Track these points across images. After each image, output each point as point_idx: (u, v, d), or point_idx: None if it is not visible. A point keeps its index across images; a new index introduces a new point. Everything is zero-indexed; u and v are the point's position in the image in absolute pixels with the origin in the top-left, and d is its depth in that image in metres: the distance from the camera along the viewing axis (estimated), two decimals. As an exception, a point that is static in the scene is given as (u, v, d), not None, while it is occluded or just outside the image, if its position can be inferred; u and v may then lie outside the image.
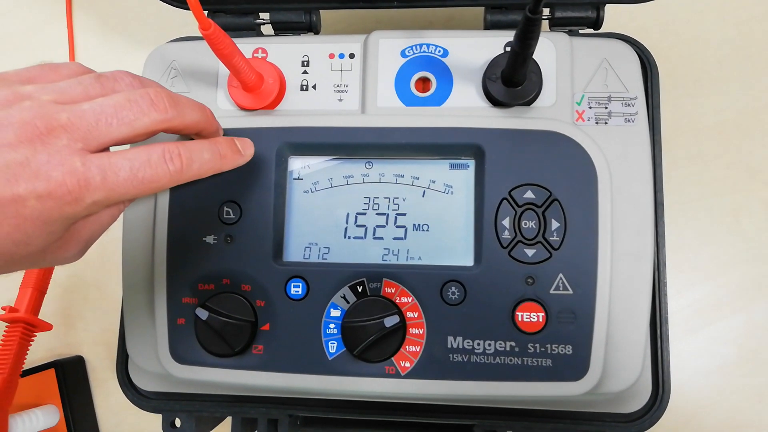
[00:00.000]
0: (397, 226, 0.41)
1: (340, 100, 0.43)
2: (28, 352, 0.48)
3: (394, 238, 0.41)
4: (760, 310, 0.52)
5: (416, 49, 0.42)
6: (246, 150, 0.38)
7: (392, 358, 0.39)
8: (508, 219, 0.39)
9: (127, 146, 0.33)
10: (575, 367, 0.38)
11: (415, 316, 0.39)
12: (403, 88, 0.42)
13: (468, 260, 0.40)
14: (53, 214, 0.29)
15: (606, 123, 0.40)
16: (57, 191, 0.28)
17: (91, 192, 0.29)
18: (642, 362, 0.39)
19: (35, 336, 0.48)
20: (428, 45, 0.42)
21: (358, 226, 0.41)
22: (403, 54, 0.43)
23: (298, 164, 0.42)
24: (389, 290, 0.39)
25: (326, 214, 0.41)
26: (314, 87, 0.43)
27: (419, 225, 0.41)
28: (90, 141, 0.29)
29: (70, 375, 0.54)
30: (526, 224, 0.39)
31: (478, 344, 0.38)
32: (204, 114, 0.35)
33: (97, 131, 0.30)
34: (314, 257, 0.41)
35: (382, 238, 0.41)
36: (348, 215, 0.41)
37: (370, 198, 0.41)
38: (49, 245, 0.30)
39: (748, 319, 0.52)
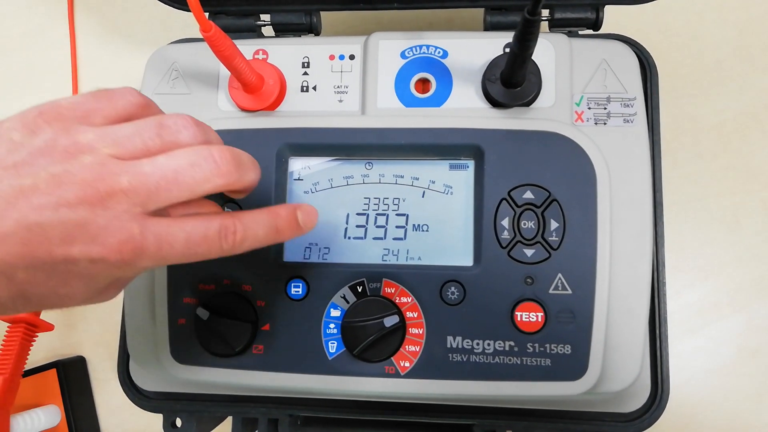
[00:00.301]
0: (397, 227, 0.41)
1: (341, 101, 0.43)
2: (29, 352, 0.48)
3: (394, 239, 0.41)
4: (759, 310, 0.52)
5: (416, 51, 0.43)
6: (307, 223, 0.34)
7: (392, 358, 0.39)
8: (507, 219, 0.39)
9: None
10: (574, 366, 0.38)
11: (415, 316, 0.39)
12: (402, 89, 0.42)
13: (467, 260, 0.40)
14: (102, 275, 0.28)
15: (605, 124, 0.41)
16: (110, 258, 0.27)
17: (144, 260, 0.28)
18: (641, 362, 0.39)
19: (37, 336, 0.49)
20: (428, 46, 0.43)
21: (358, 226, 0.41)
22: (402, 55, 0.43)
23: (298, 165, 0.42)
24: (389, 290, 0.40)
25: (326, 215, 0.42)
26: (314, 88, 0.43)
27: (419, 225, 0.41)
28: (149, 205, 0.28)
29: (72, 375, 0.55)
30: (525, 224, 0.39)
31: (478, 344, 0.39)
32: (258, 173, 0.33)
33: (157, 196, 0.28)
34: (314, 257, 0.41)
35: (381, 239, 0.41)
36: (348, 215, 0.42)
37: (369, 198, 0.42)
38: (91, 298, 0.30)
39: (748, 319, 0.52)
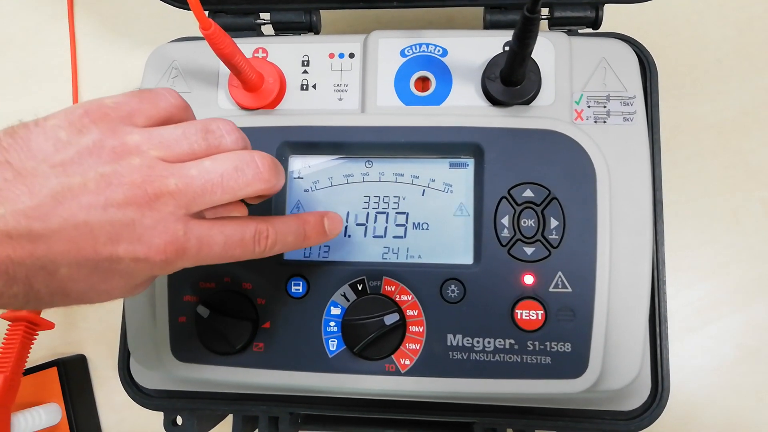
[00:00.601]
0: (397, 225, 0.41)
1: (340, 99, 0.43)
2: (30, 350, 0.48)
3: (394, 237, 0.41)
4: (759, 309, 0.52)
5: (416, 49, 0.43)
6: (333, 230, 0.37)
7: (392, 356, 0.39)
8: (507, 217, 0.39)
9: None
10: (574, 364, 0.38)
11: (415, 314, 0.39)
12: (402, 87, 0.42)
13: (467, 258, 0.40)
14: (143, 273, 0.29)
15: (605, 122, 0.41)
16: (154, 258, 0.28)
17: (184, 261, 0.29)
18: (641, 360, 0.39)
19: (37, 334, 0.49)
20: (427, 44, 0.43)
21: (358, 224, 0.41)
22: (402, 53, 0.43)
23: (298, 163, 0.42)
24: (389, 288, 0.40)
25: (326, 213, 0.42)
26: (314, 86, 0.43)
27: (419, 223, 0.41)
28: (193, 207, 0.29)
29: (72, 373, 0.55)
30: (525, 222, 0.39)
31: (478, 342, 0.39)
32: (284, 178, 0.34)
33: (202, 199, 0.29)
34: (314, 256, 0.41)
35: (382, 237, 0.41)
36: (348, 214, 0.42)
37: (370, 197, 0.42)
38: (127, 293, 0.31)
39: (747, 318, 0.52)
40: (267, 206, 0.41)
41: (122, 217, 0.27)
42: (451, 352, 0.39)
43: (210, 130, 0.31)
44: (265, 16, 0.47)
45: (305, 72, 0.44)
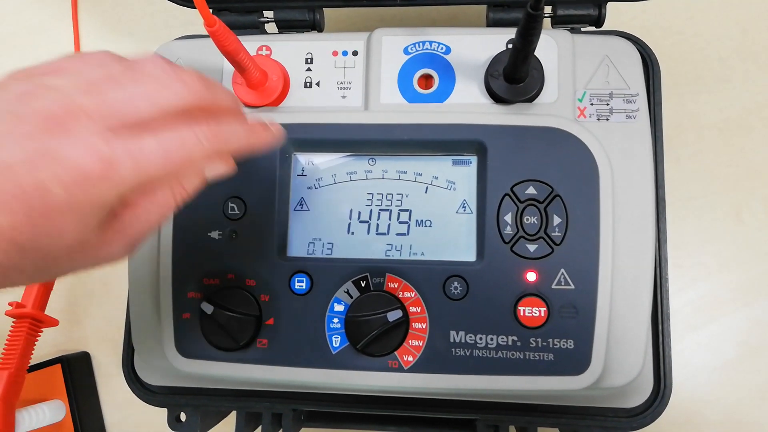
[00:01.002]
0: (400, 222, 0.41)
1: (344, 97, 0.43)
2: (34, 347, 0.48)
3: (397, 234, 0.41)
4: (761, 307, 0.52)
5: (419, 47, 0.43)
6: (275, 129, 0.35)
7: (395, 353, 0.39)
8: (510, 215, 0.39)
9: None
10: (577, 361, 0.38)
11: (418, 310, 0.39)
12: (406, 85, 0.42)
13: (470, 255, 0.40)
14: (81, 200, 0.27)
15: (607, 119, 0.41)
16: (81, 174, 0.27)
17: (119, 173, 0.27)
18: (643, 357, 0.39)
19: (42, 331, 0.49)
20: (431, 42, 0.43)
21: (361, 221, 0.42)
22: (405, 51, 0.43)
23: (302, 161, 0.43)
24: (392, 285, 0.40)
25: (330, 210, 0.42)
26: (318, 84, 0.43)
27: (422, 221, 0.41)
28: (113, 121, 0.28)
29: (76, 370, 0.55)
30: (528, 220, 0.39)
31: (481, 339, 0.39)
32: (237, 104, 0.33)
33: (124, 114, 0.28)
34: (318, 252, 0.42)
35: (385, 234, 0.41)
36: (351, 211, 0.42)
37: (373, 194, 0.42)
38: (87, 239, 0.29)
39: (750, 316, 0.52)
40: (271, 201, 0.41)
41: (35, 145, 0.26)
42: (453, 349, 0.39)
43: (133, 61, 0.30)
44: (269, 14, 0.47)
45: (309, 70, 0.44)
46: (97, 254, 0.30)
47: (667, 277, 0.42)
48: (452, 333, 0.39)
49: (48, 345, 0.57)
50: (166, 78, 0.30)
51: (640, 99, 0.41)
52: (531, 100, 0.41)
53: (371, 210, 0.42)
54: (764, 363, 0.51)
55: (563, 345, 0.38)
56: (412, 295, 0.40)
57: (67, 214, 0.27)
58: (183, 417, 0.45)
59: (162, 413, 0.45)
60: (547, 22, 0.43)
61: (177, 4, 0.47)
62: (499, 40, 0.42)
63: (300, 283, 0.40)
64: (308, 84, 0.43)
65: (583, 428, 0.42)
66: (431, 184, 0.41)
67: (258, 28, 0.47)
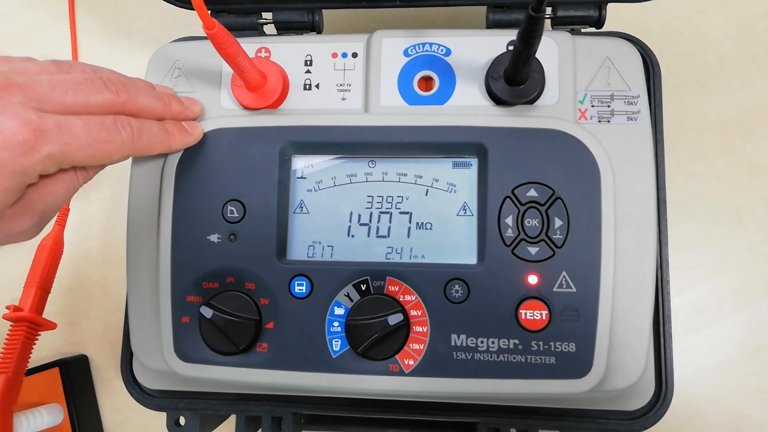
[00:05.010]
0: (401, 225, 0.41)
1: (343, 99, 0.43)
2: (32, 351, 0.48)
3: (398, 237, 0.41)
4: (762, 308, 0.52)
5: (419, 48, 0.43)
6: (193, 130, 0.40)
7: (396, 356, 0.39)
8: (511, 217, 0.39)
9: None
10: (578, 364, 0.38)
11: (419, 314, 0.39)
12: (405, 87, 0.42)
13: (471, 258, 0.40)
14: (7, 166, 0.29)
15: (608, 121, 0.40)
16: (11, 140, 0.29)
17: (46, 143, 0.30)
18: (645, 360, 0.39)
19: (39, 335, 0.48)
20: (431, 44, 0.43)
21: (361, 224, 0.41)
22: (405, 53, 0.43)
23: (301, 163, 0.42)
24: (393, 288, 0.40)
25: (330, 213, 0.42)
26: (317, 86, 0.43)
27: (422, 223, 0.41)
28: (44, 103, 0.31)
29: (75, 374, 0.55)
30: (529, 222, 0.39)
31: (482, 342, 0.38)
32: (160, 102, 0.37)
33: (53, 96, 0.31)
34: (318, 256, 0.41)
35: (385, 237, 0.41)
36: (351, 214, 0.41)
37: (373, 197, 0.42)
38: (3, 211, 0.31)
39: (751, 317, 0.52)
40: (270, 204, 0.41)
41: None
42: (455, 353, 0.39)
43: (62, 62, 0.35)
44: (268, 15, 0.47)
45: (308, 72, 0.43)
46: (9, 229, 0.32)
47: (669, 279, 0.42)
48: (453, 336, 0.39)
49: (46, 348, 0.57)
50: (93, 76, 0.34)
51: (641, 101, 0.41)
52: (532, 102, 0.41)
53: (371, 213, 0.41)
54: (765, 364, 0.51)
55: (565, 348, 0.38)
56: (413, 299, 0.39)
57: None
58: (182, 421, 0.45)
59: (161, 417, 0.45)
60: (546, 23, 0.42)
61: (175, 5, 0.47)
62: (500, 41, 0.42)
63: (300, 287, 0.40)
64: (308, 86, 0.43)
65: (584, 431, 0.41)
66: (432, 187, 0.41)
67: (257, 30, 0.47)
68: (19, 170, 0.30)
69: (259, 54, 0.44)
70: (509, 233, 0.39)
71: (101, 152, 0.33)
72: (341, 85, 0.43)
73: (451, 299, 0.39)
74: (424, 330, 0.39)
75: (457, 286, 0.39)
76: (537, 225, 0.39)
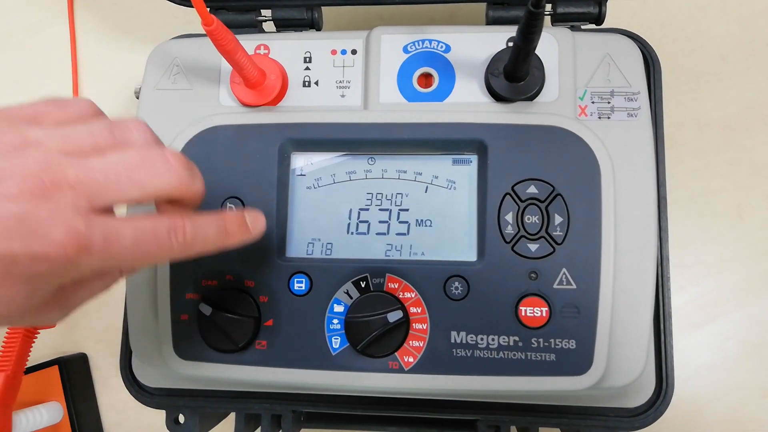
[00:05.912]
0: (400, 222, 0.41)
1: (343, 96, 0.43)
2: (31, 349, 0.48)
3: (397, 234, 0.41)
4: (763, 305, 0.52)
5: (418, 45, 0.42)
6: (256, 226, 0.34)
7: (396, 354, 0.39)
8: (511, 214, 0.39)
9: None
10: (579, 361, 0.38)
11: (419, 311, 0.39)
12: (405, 83, 0.42)
13: (471, 255, 0.40)
14: (45, 275, 0.26)
15: (609, 118, 0.40)
16: (54, 254, 0.25)
17: (90, 257, 0.26)
18: (645, 357, 0.39)
19: (38, 333, 0.49)
20: (430, 41, 0.42)
21: (361, 221, 0.41)
22: (405, 50, 0.43)
23: (300, 160, 0.42)
24: (392, 285, 0.39)
25: (329, 210, 0.42)
26: (316, 83, 0.43)
27: (422, 220, 0.41)
28: (96, 200, 0.27)
29: (74, 372, 0.54)
30: (529, 219, 0.39)
31: (482, 339, 0.38)
32: (203, 186, 0.33)
33: (106, 191, 0.27)
34: (317, 253, 0.41)
35: (385, 234, 0.41)
36: (351, 211, 0.41)
37: (372, 194, 0.41)
38: (32, 306, 0.28)
39: (751, 314, 0.52)
40: (270, 202, 0.41)
41: (16, 210, 0.25)
42: (454, 350, 0.39)
43: (117, 125, 0.29)
44: (267, 12, 0.47)
45: (307, 69, 0.43)
46: (34, 318, 0.29)
47: (669, 276, 0.42)
48: (453, 333, 0.39)
49: (45, 347, 0.57)
50: (155, 158, 0.29)
51: (642, 97, 0.41)
52: (532, 98, 0.40)
53: (371, 210, 0.41)
54: (765, 361, 0.51)
55: (565, 345, 0.38)
56: (413, 296, 0.39)
57: (24, 284, 0.26)
58: (181, 419, 0.44)
59: (160, 415, 0.45)
60: (546, 20, 0.42)
61: (174, 2, 0.47)
62: (500, 38, 0.42)
63: (299, 284, 0.40)
64: (307, 83, 0.43)
65: (584, 428, 0.41)
66: (431, 184, 0.41)
67: (256, 27, 0.47)
68: (55, 280, 0.27)
69: (258, 51, 0.44)
70: (509, 230, 0.39)
71: (147, 261, 0.29)
72: (340, 82, 0.43)
73: (451, 296, 0.39)
74: (424, 327, 0.39)
75: (456, 283, 0.39)
76: (537, 222, 0.39)
